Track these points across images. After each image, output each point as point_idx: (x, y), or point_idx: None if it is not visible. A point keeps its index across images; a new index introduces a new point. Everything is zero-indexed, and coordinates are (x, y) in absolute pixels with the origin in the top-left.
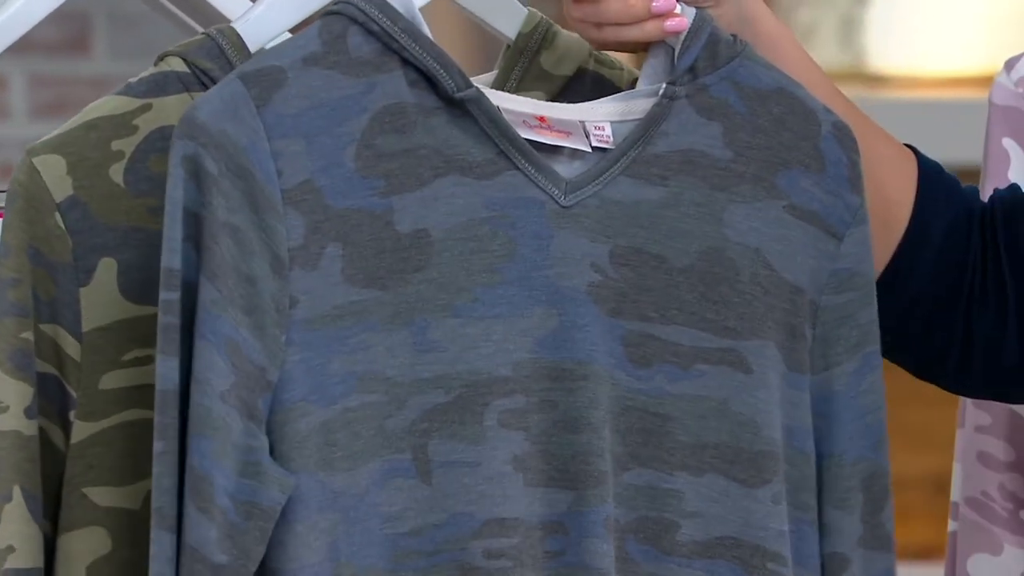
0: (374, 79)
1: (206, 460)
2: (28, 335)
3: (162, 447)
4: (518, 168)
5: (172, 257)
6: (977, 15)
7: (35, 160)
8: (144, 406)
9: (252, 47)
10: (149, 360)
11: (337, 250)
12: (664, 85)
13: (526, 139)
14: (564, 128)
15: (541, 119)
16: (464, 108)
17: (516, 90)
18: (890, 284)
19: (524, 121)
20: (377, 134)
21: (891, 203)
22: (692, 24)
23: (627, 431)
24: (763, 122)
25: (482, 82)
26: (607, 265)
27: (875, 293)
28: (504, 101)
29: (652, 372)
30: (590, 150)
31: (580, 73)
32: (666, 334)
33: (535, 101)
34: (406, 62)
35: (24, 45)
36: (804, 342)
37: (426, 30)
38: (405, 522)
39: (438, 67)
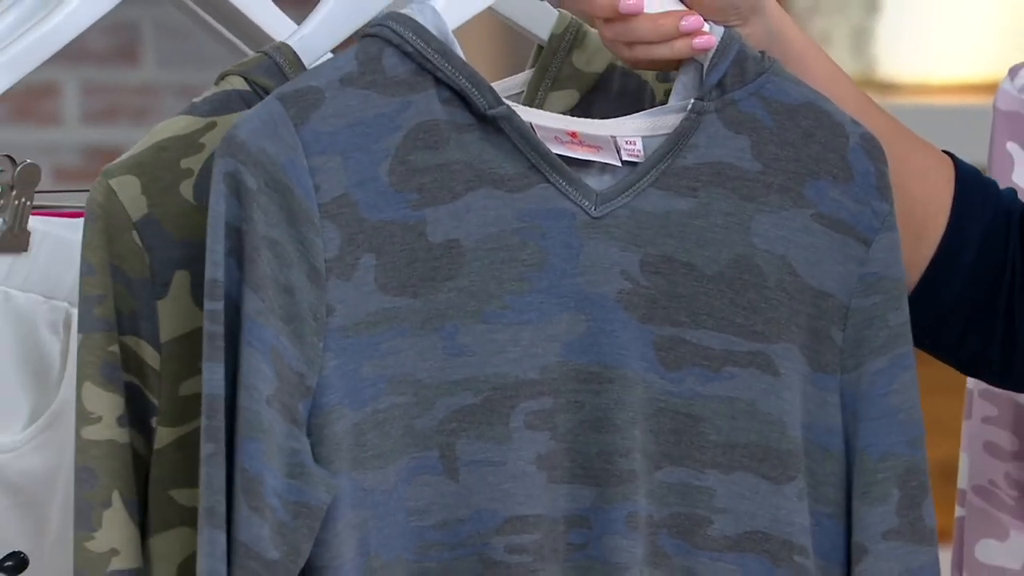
0: (408, 98)
1: (256, 462)
2: (115, 348)
3: (212, 449)
4: (549, 181)
5: (215, 269)
6: (983, 24)
7: (112, 182)
8: None
9: (307, 63)
10: None
11: (371, 260)
12: (693, 101)
13: (557, 154)
14: (595, 143)
15: (573, 135)
16: (496, 125)
17: (552, 88)
18: (928, 290)
19: (556, 137)
20: (411, 150)
21: (928, 213)
22: (720, 42)
23: (660, 431)
24: (791, 135)
25: (518, 82)
26: (638, 273)
27: (905, 296)
28: (536, 118)
29: (683, 375)
30: (620, 164)
31: (610, 70)
32: (697, 338)
33: (567, 118)
34: (439, 81)
35: (76, 54)
36: (831, 344)
37: (459, 50)
38: (431, 516)
39: (470, 86)
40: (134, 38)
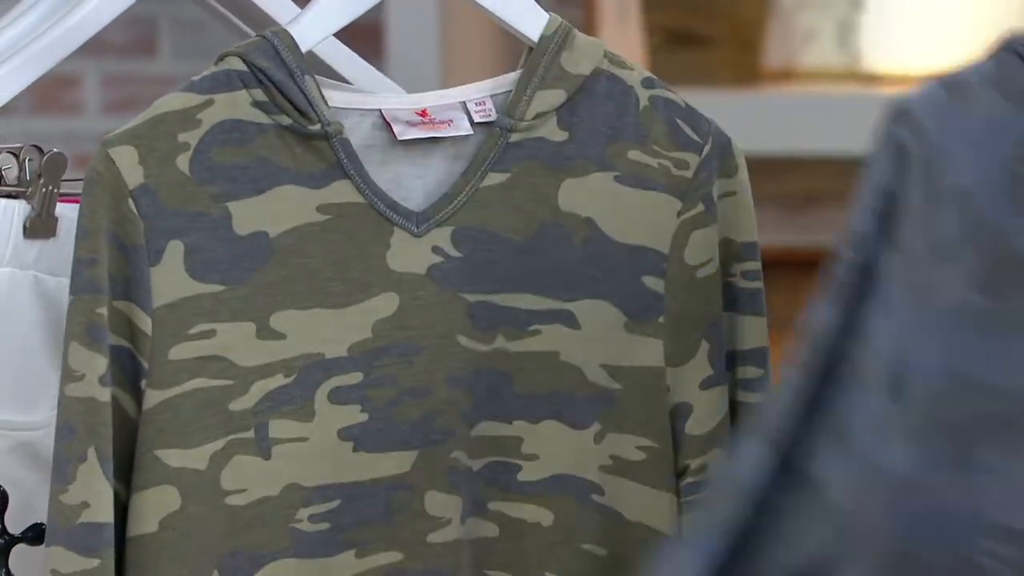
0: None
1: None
2: (102, 311)
3: (800, 382)
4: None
5: (862, 221)
6: (961, 19)
7: (111, 151)
8: (208, 375)
9: (304, 48)
10: (213, 333)
11: None
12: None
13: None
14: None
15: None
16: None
17: (540, 87)
18: None
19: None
20: None
21: None
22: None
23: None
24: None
25: (507, 81)
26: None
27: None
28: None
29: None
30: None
31: (596, 73)
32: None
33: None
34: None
35: (97, 47)
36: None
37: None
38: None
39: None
40: (152, 32)
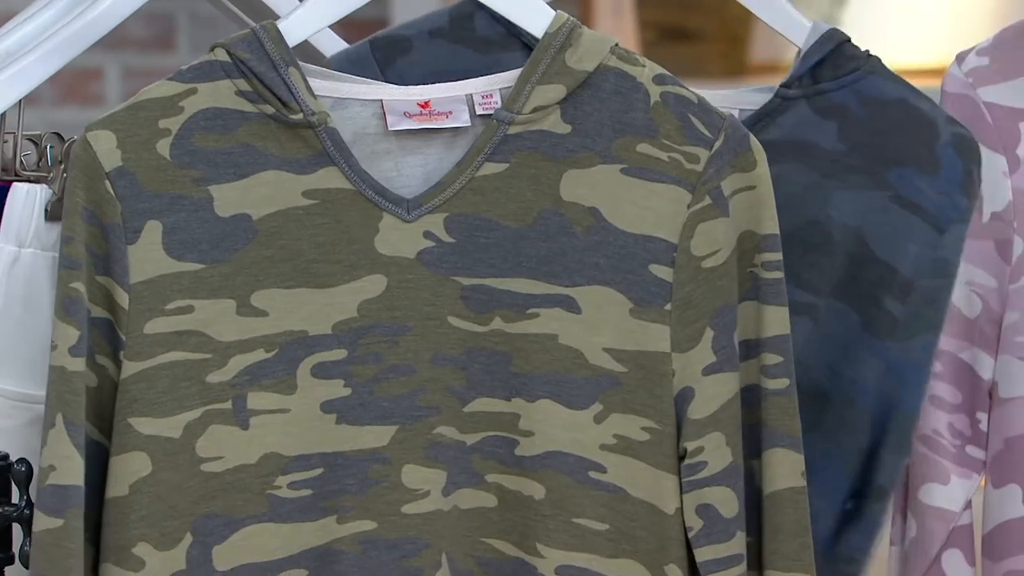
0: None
1: None
2: (77, 285)
3: None
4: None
5: None
6: (938, 15)
7: (88, 135)
8: (185, 349)
9: (291, 42)
10: (191, 309)
11: None
12: (778, 87)
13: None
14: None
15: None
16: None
17: (539, 82)
18: None
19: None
20: None
21: None
22: (822, 36)
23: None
24: (880, 126)
25: (508, 78)
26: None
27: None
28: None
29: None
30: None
31: (603, 69)
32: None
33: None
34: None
35: (118, 41)
36: (884, 311)
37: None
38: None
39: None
40: (170, 27)
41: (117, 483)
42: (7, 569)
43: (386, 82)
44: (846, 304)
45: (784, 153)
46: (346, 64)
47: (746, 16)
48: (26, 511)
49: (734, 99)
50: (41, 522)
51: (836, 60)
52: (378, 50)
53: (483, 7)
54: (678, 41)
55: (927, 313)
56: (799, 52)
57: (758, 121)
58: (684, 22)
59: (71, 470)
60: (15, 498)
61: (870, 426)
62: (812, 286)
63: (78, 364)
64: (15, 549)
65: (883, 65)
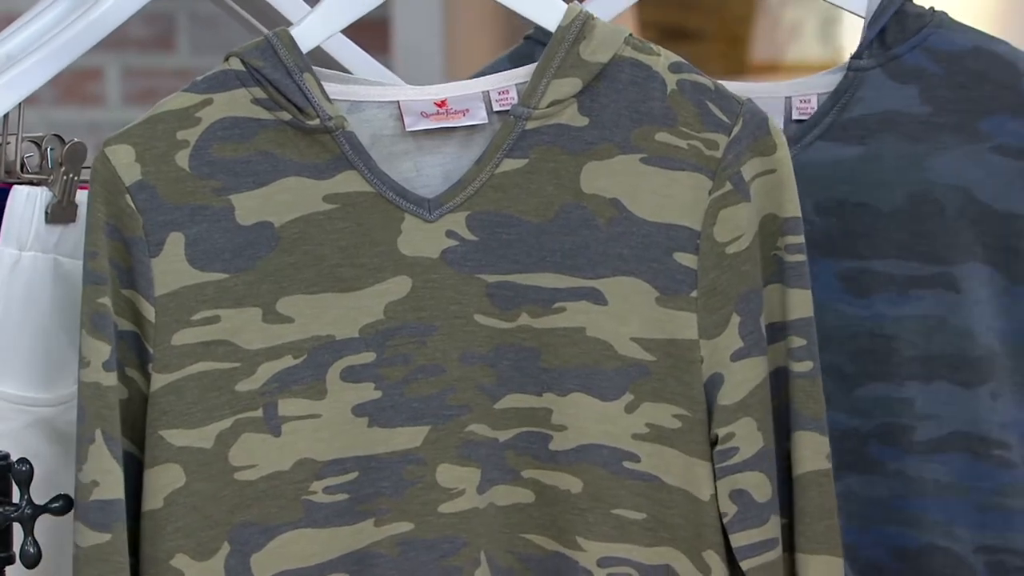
0: None
1: None
2: (104, 300)
3: None
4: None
5: None
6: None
7: (107, 150)
8: (213, 359)
9: (304, 47)
10: (217, 319)
11: None
12: (850, 59)
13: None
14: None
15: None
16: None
17: (555, 76)
18: None
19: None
20: None
21: None
22: (882, 1)
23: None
24: (961, 78)
25: (524, 73)
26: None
27: None
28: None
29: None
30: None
31: (618, 60)
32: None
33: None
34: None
35: (118, 41)
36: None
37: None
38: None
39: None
40: (170, 27)
41: (152, 496)
42: (7, 569)
43: None
44: (984, 264)
45: (872, 128)
46: None
47: (746, 16)
48: (26, 511)
49: (810, 85)
50: (88, 537)
51: (901, 21)
52: None
53: (541, 43)
54: (678, 41)
55: None
56: (865, 21)
57: (838, 100)
58: (684, 22)
59: (113, 484)
60: (15, 498)
61: None
62: (937, 257)
63: (111, 379)
64: (15, 549)
65: (949, 17)
